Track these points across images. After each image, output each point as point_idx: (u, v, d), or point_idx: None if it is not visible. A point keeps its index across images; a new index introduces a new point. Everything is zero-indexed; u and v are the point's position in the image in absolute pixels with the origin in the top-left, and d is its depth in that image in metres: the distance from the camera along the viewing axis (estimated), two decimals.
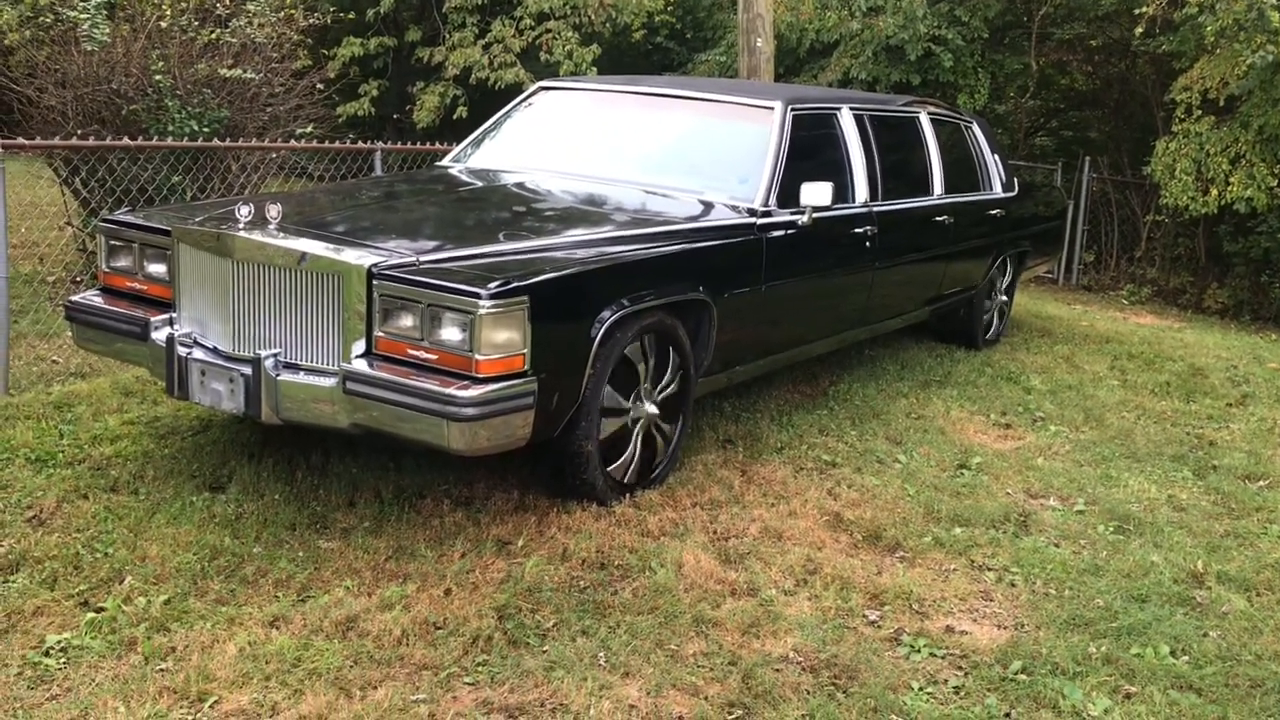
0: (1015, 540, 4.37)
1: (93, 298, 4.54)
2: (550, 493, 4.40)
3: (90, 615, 3.33)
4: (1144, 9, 10.10)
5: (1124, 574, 4.10)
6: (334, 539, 3.97)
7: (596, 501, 4.31)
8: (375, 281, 3.79)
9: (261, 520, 4.05)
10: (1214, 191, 10.35)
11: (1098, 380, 7.13)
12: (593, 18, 12.90)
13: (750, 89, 6.02)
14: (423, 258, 3.90)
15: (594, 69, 12.53)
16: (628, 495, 4.42)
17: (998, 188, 7.54)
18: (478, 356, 3.66)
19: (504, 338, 3.70)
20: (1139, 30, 10.31)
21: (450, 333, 3.71)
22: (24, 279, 7.42)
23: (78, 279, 7.70)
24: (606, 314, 4.07)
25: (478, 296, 3.63)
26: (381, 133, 16.25)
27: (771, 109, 5.42)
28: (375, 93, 13.93)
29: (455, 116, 13.29)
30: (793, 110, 5.45)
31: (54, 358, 6.05)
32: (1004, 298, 7.94)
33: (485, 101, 14.00)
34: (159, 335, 4.21)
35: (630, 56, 15.27)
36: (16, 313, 6.58)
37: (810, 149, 5.56)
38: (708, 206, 5.04)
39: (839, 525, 4.37)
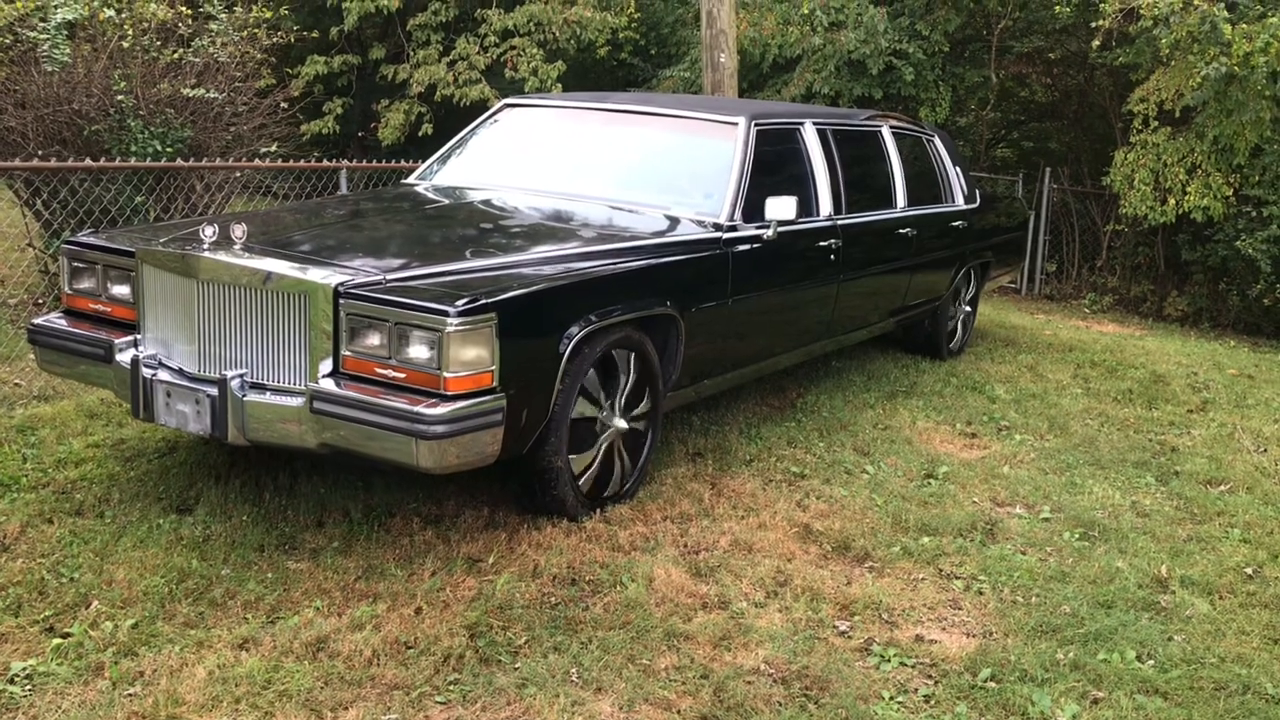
0: (982, 549, 4.41)
1: (56, 320, 4.51)
2: (520, 509, 4.40)
3: (56, 641, 3.30)
4: (1100, 22, 10.27)
5: (1090, 580, 4.14)
6: (303, 559, 3.95)
7: (567, 517, 4.32)
8: (342, 300, 3.78)
9: (229, 542, 4.03)
10: (1171, 201, 10.51)
11: (1061, 389, 7.21)
12: (557, 34, 12.93)
13: (715, 105, 6.06)
14: (389, 276, 3.90)
15: (559, 85, 12.57)
16: (598, 510, 4.43)
17: (960, 200, 7.62)
18: (446, 374, 3.67)
19: (472, 355, 3.71)
20: (1096, 44, 10.47)
21: (418, 351, 3.71)
22: None
23: (39, 301, 7.63)
24: (574, 330, 4.09)
25: (445, 314, 3.64)
26: (346, 150, 16.22)
27: (735, 125, 5.47)
28: (340, 111, 13.90)
29: (420, 134, 13.29)
30: (757, 126, 5.50)
31: (16, 380, 5.99)
32: (968, 308, 8.02)
33: (450, 118, 14.01)
34: (123, 357, 4.18)
35: (595, 73, 15.33)
36: None
37: (774, 164, 5.60)
38: (674, 222, 5.07)
39: (808, 536, 4.40)
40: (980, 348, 8.34)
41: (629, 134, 5.80)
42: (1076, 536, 4.60)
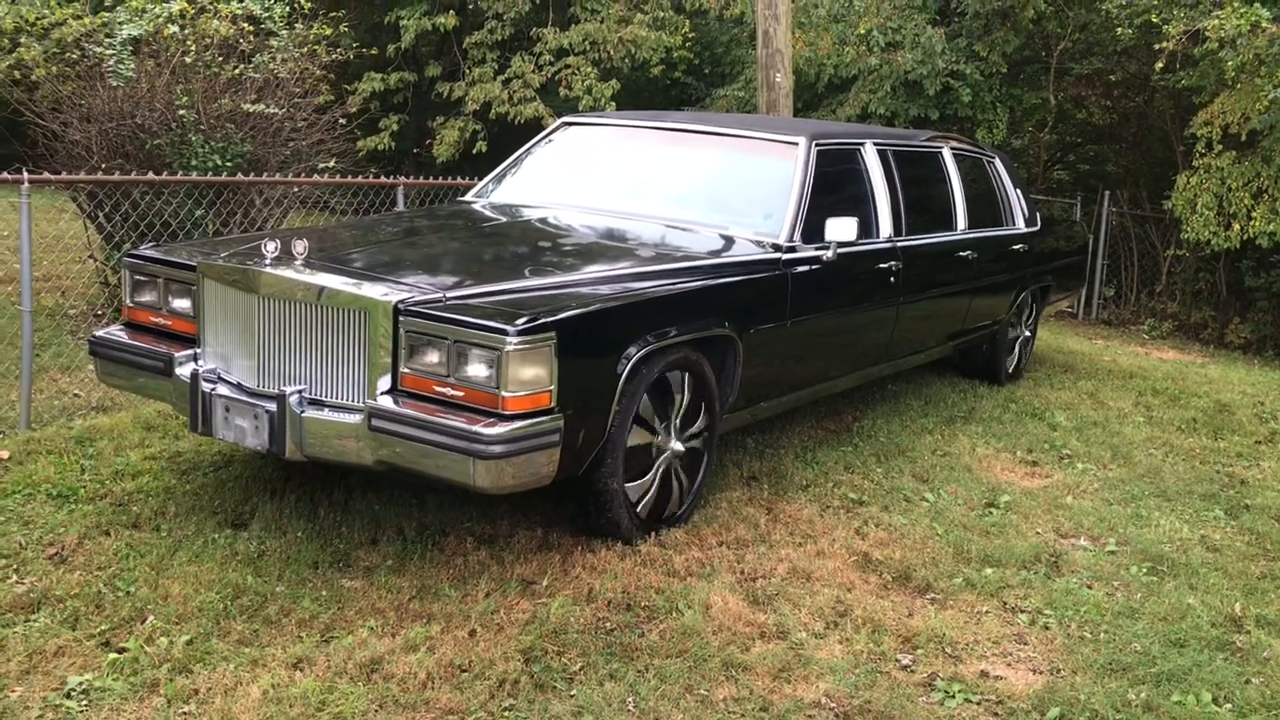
0: (1047, 581, 4.30)
1: (116, 333, 4.53)
2: (574, 531, 4.35)
3: (112, 656, 3.29)
4: (1164, 44, 10.09)
5: (1160, 617, 4.02)
6: (357, 577, 3.92)
7: (622, 540, 4.26)
8: (401, 318, 3.76)
9: (284, 558, 4.01)
10: (1236, 226, 10.29)
11: (1123, 417, 7.06)
12: (612, 53, 12.95)
13: (774, 124, 6.01)
14: (448, 294, 3.88)
15: (613, 104, 12.58)
16: (653, 534, 4.37)
17: (1020, 222, 7.50)
18: (504, 393, 3.63)
19: (531, 374, 3.67)
20: (1159, 66, 10.29)
21: (477, 369, 3.68)
22: (46, 312, 7.45)
23: (99, 312, 7.72)
24: (632, 350, 4.04)
25: (504, 333, 3.60)
26: (401, 166, 16.35)
27: (796, 144, 5.40)
28: (395, 127, 14.00)
29: (475, 151, 13.35)
30: (817, 146, 5.43)
31: (75, 391, 6.04)
32: (1027, 333, 7.88)
33: (504, 136, 14.07)
34: (183, 371, 4.19)
35: (648, 92, 15.33)
36: (39, 346, 6.59)
37: (834, 184, 5.53)
38: (732, 242, 5.01)
39: (868, 565, 4.31)
40: (1039, 373, 8.18)
41: (687, 153, 5.75)
42: (1144, 571, 4.47)
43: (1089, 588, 4.28)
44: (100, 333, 4.55)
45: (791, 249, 5.03)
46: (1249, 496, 5.54)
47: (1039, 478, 5.64)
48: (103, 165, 7.52)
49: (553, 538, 4.32)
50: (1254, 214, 10.17)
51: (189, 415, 4.13)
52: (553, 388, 3.73)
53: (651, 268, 4.49)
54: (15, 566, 3.83)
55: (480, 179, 6.16)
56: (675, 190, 5.60)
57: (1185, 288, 12.20)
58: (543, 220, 5.23)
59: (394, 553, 4.13)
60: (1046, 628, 3.91)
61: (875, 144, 5.96)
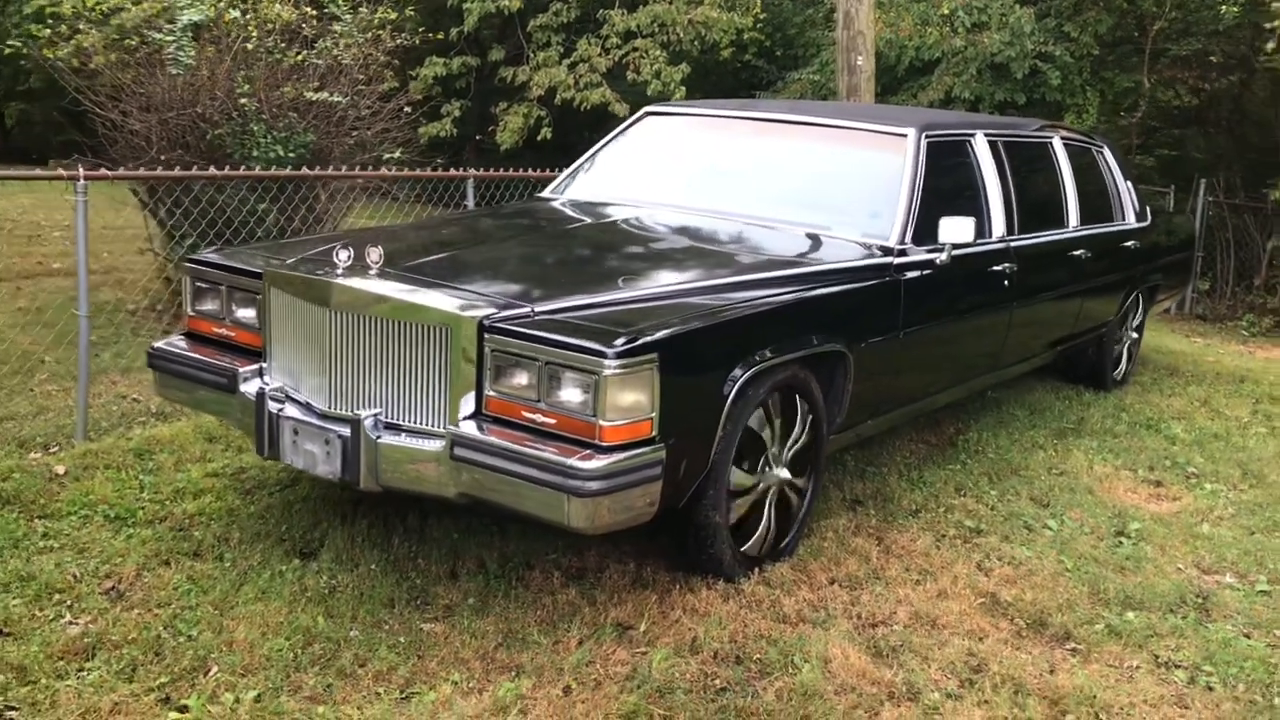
0: (1199, 629, 3.84)
1: (177, 343, 4.21)
2: (670, 566, 3.96)
3: (173, 715, 2.96)
4: (1275, 24, 9.46)
5: None
6: (437, 619, 3.57)
7: (723, 578, 3.87)
8: (486, 335, 3.40)
9: (357, 595, 3.67)
10: None
11: (1244, 428, 6.54)
12: (681, 35, 12.49)
13: (877, 114, 5.55)
14: (537, 308, 3.50)
15: (683, 89, 12.13)
16: (757, 570, 3.97)
17: (1131, 217, 6.99)
18: (602, 422, 3.25)
19: (630, 400, 3.28)
20: (1270, 46, 9.65)
21: (571, 394, 3.31)
22: (108, 308, 7.19)
23: (159, 308, 7.45)
24: (739, 370, 3.64)
25: (603, 355, 3.22)
26: (461, 153, 16.04)
27: (905, 136, 4.95)
28: (457, 113, 13.65)
29: (540, 138, 12.97)
30: (927, 137, 4.98)
31: (134, 395, 5.77)
32: (1134, 335, 7.37)
33: (569, 122, 13.70)
34: (248, 388, 3.86)
35: (717, 75, 14.86)
36: (97, 344, 6.33)
37: (945, 180, 5.07)
38: (838, 245, 4.58)
39: (997, 609, 3.88)
40: (1143, 376, 7.66)
41: (783, 146, 5.32)
42: None
43: (1247, 637, 3.83)
44: (159, 344, 4.22)
45: (902, 252, 4.59)
46: None
47: (1167, 500, 5.16)
48: (163, 156, 7.24)
49: (646, 573, 3.94)
50: None
51: (254, 437, 3.80)
52: (654, 415, 3.34)
53: (754, 275, 4.07)
54: (69, 603, 3.52)
55: (547, 168, 5.79)
56: (771, 187, 5.17)
57: None
58: (630, 221, 4.82)
59: (475, 589, 3.77)
60: (1210, 688, 3.46)
61: (986, 135, 5.49)
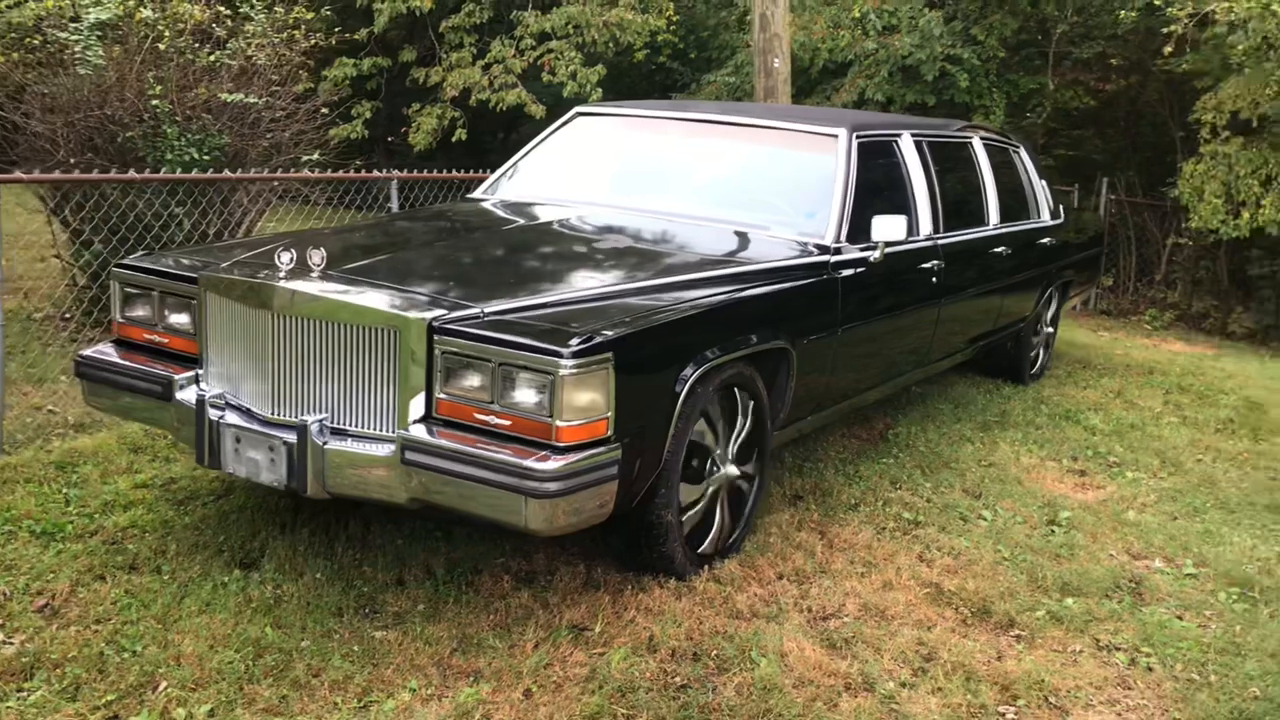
0: (1135, 613, 3.96)
1: (106, 351, 4.07)
2: (621, 566, 3.96)
3: None
4: (1173, 28, 9.80)
5: (1269, 654, 3.69)
6: (388, 627, 3.51)
7: (674, 576, 3.88)
8: (437, 337, 3.35)
9: (304, 604, 3.59)
10: (1246, 214, 10.04)
11: (1157, 418, 6.76)
12: (596, 37, 12.47)
13: (807, 115, 5.62)
14: (487, 309, 3.47)
15: (599, 91, 12.12)
16: (706, 567, 3.99)
17: (1046, 215, 7.18)
18: (558, 423, 3.23)
19: (587, 400, 3.27)
20: (1168, 50, 9.99)
21: (525, 395, 3.28)
22: (13, 317, 6.93)
23: (67, 315, 7.20)
24: (690, 369, 3.65)
25: (559, 355, 3.20)
26: (372, 155, 15.79)
27: (836, 136, 5.02)
28: (368, 115, 13.43)
29: (454, 139, 12.84)
30: (858, 138, 5.05)
31: (50, 407, 5.56)
32: (1050, 329, 7.58)
33: (483, 124, 13.60)
34: (185, 395, 3.75)
35: (631, 77, 14.87)
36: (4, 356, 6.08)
37: (875, 179, 5.15)
38: (776, 244, 4.62)
39: (941, 598, 3.95)
40: (1058, 370, 7.88)
41: (714, 146, 5.35)
42: (1234, 598, 4.15)
43: (1180, 619, 3.96)
44: (88, 351, 4.08)
45: (838, 250, 4.65)
46: None
47: (1093, 489, 5.31)
48: (71, 159, 7.00)
49: (597, 574, 3.92)
50: (1263, 202, 9.92)
51: (195, 447, 3.69)
52: (610, 414, 3.33)
53: (699, 275, 4.08)
54: (1, 622, 3.38)
55: (464, 169, 5.74)
56: (705, 187, 5.21)
57: (1186, 277, 11.97)
58: (570, 221, 4.80)
59: (425, 595, 3.72)
60: (1150, 669, 3.57)
61: (912, 135, 5.59)
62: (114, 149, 7.19)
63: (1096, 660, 3.61)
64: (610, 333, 3.35)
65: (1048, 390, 7.21)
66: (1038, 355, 7.42)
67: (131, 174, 5.72)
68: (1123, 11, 10.70)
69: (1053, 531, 4.68)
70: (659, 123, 5.56)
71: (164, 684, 3.09)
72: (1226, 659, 3.65)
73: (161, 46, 7.46)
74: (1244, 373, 8.61)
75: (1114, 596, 4.09)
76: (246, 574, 3.79)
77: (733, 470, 4.05)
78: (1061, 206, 7.54)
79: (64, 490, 4.41)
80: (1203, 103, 10.44)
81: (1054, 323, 7.66)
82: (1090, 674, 3.51)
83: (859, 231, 4.77)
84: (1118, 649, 3.69)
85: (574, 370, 3.21)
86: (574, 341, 3.24)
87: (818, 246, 4.63)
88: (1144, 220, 12.48)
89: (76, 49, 7.22)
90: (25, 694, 3.03)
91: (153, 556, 3.88)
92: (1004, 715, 3.25)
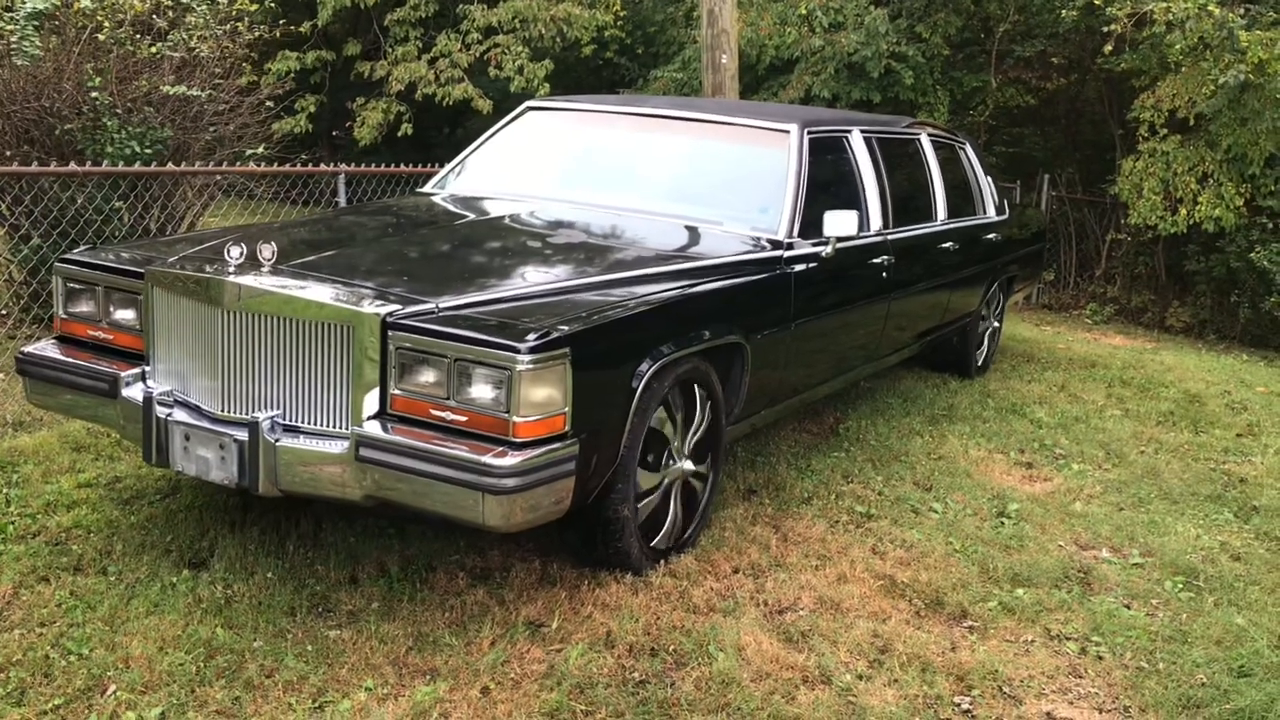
0: (1084, 602, 4.02)
1: (49, 348, 3.98)
2: (577, 562, 3.94)
3: None
4: (1113, 27, 9.97)
5: (1214, 641, 3.77)
6: (342, 625, 3.47)
7: (631, 571, 3.87)
8: (391, 332, 3.32)
9: (256, 604, 3.54)
10: (1183, 211, 10.24)
11: (1100, 411, 6.87)
12: (543, 32, 12.43)
13: (758, 110, 5.63)
14: (441, 304, 3.43)
15: (547, 85, 12.08)
16: (662, 562, 3.99)
17: (991, 211, 7.27)
18: (515, 418, 3.21)
19: (544, 395, 3.26)
20: (1108, 49, 10.16)
21: (482, 391, 3.25)
22: None
23: (3, 313, 7.04)
24: (646, 364, 3.65)
25: (516, 350, 3.18)
26: (315, 150, 15.61)
27: (787, 132, 5.04)
28: (312, 109, 13.29)
29: (400, 133, 12.73)
30: (809, 134, 5.08)
31: None
32: (995, 324, 7.67)
33: (430, 118, 13.49)
34: (132, 392, 3.67)
35: (578, 73, 14.84)
36: None
37: (826, 175, 5.18)
38: (729, 239, 4.63)
39: (895, 591, 3.98)
40: (1003, 364, 7.99)
41: (668, 141, 5.35)
42: (1179, 586, 4.22)
43: (1127, 607, 4.02)
44: (30, 348, 3.98)
45: (790, 245, 4.67)
46: (1253, 497, 5.36)
47: (1040, 481, 5.39)
48: (7, 152, 6.84)
49: (553, 570, 3.91)
50: (1200, 199, 10.13)
51: (141, 444, 3.62)
52: (567, 410, 3.32)
53: (653, 270, 4.08)
54: None
55: (407, 163, 5.68)
56: (658, 182, 5.20)
57: (1125, 272, 12.18)
58: (523, 216, 4.77)
59: (379, 593, 3.68)
60: (1100, 658, 3.63)
61: (862, 131, 5.63)
62: (52, 141, 7.04)
63: (1048, 650, 3.66)
64: (567, 328, 3.33)
65: (994, 384, 7.30)
66: (984, 349, 7.51)
67: (72, 167, 5.59)
68: (1064, 10, 10.87)
69: (1002, 523, 4.74)
70: (611, 117, 5.55)
71: (113, 687, 3.03)
72: (1174, 647, 3.72)
73: (101, 37, 7.31)
74: (1183, 365, 8.78)
75: (1063, 587, 4.15)
76: (196, 574, 3.72)
77: (688, 465, 4.05)
78: (1006, 202, 7.64)
79: (4, 490, 4.31)
80: (1141, 101, 10.63)
81: (999, 317, 7.76)
82: (1042, 663, 3.56)
83: (811, 227, 4.79)
84: (1068, 638, 3.75)
85: (531, 365, 3.19)
86: (531, 337, 3.22)
87: (770, 242, 4.64)
88: (1084, 216, 12.69)
89: (12, 39, 7.05)
90: None
91: (98, 557, 3.80)
92: (959, 706, 3.28)
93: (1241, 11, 9.51)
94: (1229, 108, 9.77)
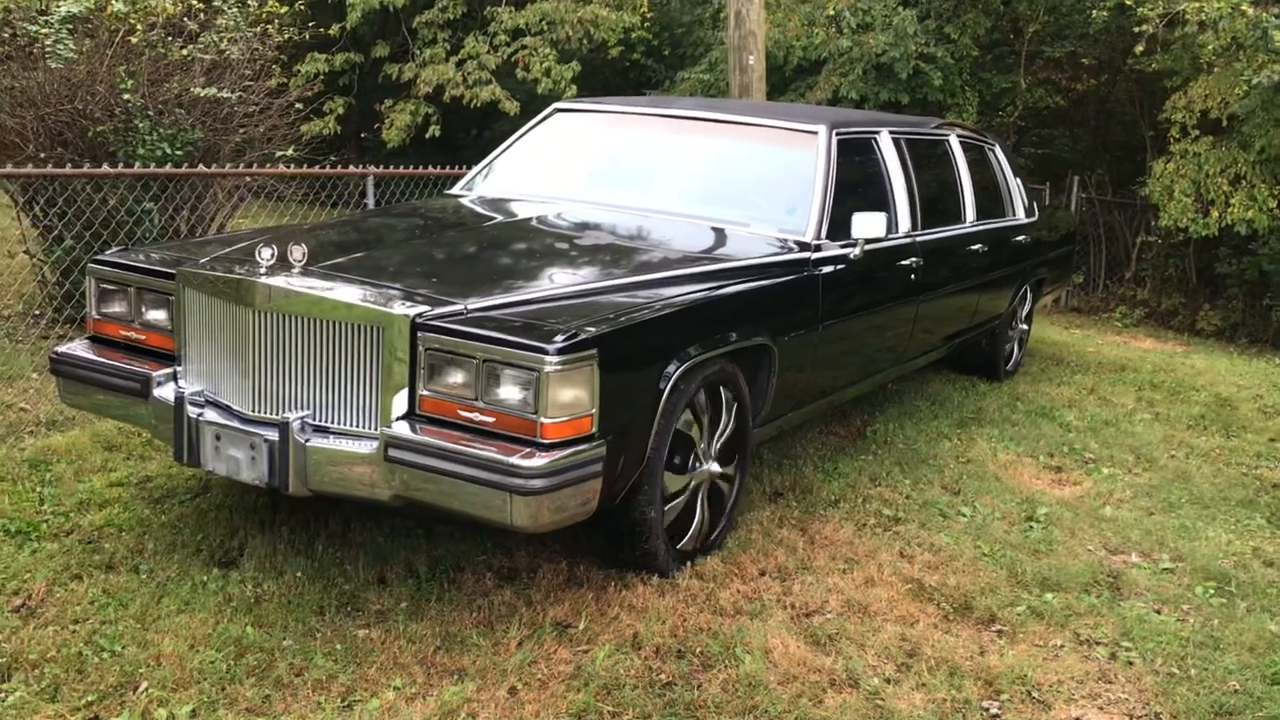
0: (1114, 607, 3.99)
1: (81, 349, 4.02)
2: (604, 563, 3.95)
3: None
4: (1144, 27, 9.90)
5: (1247, 648, 3.73)
6: (370, 625, 3.49)
7: (658, 573, 3.87)
8: (420, 334, 3.33)
9: (285, 603, 3.56)
10: (1215, 213, 10.15)
11: (1130, 415, 6.81)
12: (570, 34, 12.45)
13: (786, 111, 5.62)
14: (470, 305, 3.45)
15: (574, 87, 12.10)
16: (689, 564, 3.99)
17: (1021, 212, 7.22)
18: (543, 419, 3.22)
19: (571, 397, 3.26)
20: (1139, 49, 10.09)
21: (510, 392, 3.26)
22: None
23: (38, 313, 7.12)
24: (674, 365, 3.64)
25: (544, 352, 3.19)
26: (343, 151, 15.70)
27: (816, 133, 5.03)
28: (340, 110, 13.36)
29: (428, 135, 12.78)
30: (837, 135, 5.06)
31: (22, 405, 5.48)
32: (1024, 326, 7.63)
33: (455, 120, 13.54)
34: (163, 393, 3.71)
35: (605, 74, 14.86)
36: None
37: (855, 176, 5.17)
38: (757, 241, 4.63)
39: (923, 594, 3.96)
40: (1031, 367, 7.94)
41: (694, 142, 5.35)
42: (1211, 592, 4.18)
43: (1158, 613, 3.99)
44: (63, 348, 4.03)
45: (818, 247, 4.66)
46: None
47: (1069, 485, 5.35)
48: (41, 154, 6.91)
49: (580, 571, 3.91)
50: (1232, 200, 10.04)
51: (173, 444, 3.65)
52: (594, 411, 3.32)
53: (680, 271, 4.08)
54: None
55: (434, 165, 5.70)
56: (685, 183, 5.20)
57: (1155, 274, 12.09)
58: (550, 218, 4.78)
59: (407, 593, 3.70)
60: (1130, 663, 3.60)
61: (890, 132, 5.61)
62: (85, 143, 7.11)
63: (1078, 655, 3.63)
64: (594, 329, 3.34)
65: (1022, 387, 7.26)
66: (1012, 352, 7.47)
67: (104, 169, 5.65)
68: (1094, 11, 10.80)
69: (1031, 527, 4.71)
70: (638, 119, 5.55)
71: (144, 684, 3.06)
72: (1205, 653, 3.68)
73: (133, 40, 7.38)
74: (1214, 369, 8.70)
75: (1093, 591, 4.12)
76: (226, 573, 3.75)
77: (715, 468, 4.05)
78: (1035, 204, 7.60)
79: (38, 489, 4.35)
80: (1172, 102, 10.55)
81: (1028, 320, 7.71)
82: (1072, 668, 3.53)
83: (839, 228, 4.77)
84: (1098, 643, 3.72)
85: (559, 367, 3.20)
86: (559, 338, 3.23)
87: (798, 243, 4.63)
88: (1114, 218, 12.61)
89: (47, 42, 7.13)
90: (4, 695, 2.98)
91: (130, 555, 3.84)
92: (988, 710, 3.26)
93: (1276, 11, 9.40)
94: (1262, 108, 9.68)
